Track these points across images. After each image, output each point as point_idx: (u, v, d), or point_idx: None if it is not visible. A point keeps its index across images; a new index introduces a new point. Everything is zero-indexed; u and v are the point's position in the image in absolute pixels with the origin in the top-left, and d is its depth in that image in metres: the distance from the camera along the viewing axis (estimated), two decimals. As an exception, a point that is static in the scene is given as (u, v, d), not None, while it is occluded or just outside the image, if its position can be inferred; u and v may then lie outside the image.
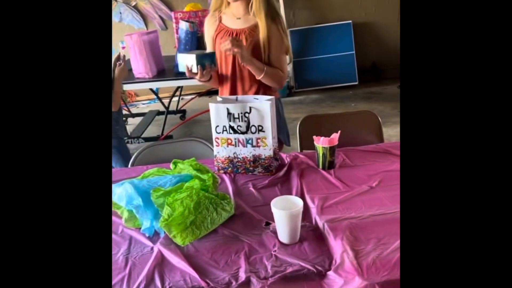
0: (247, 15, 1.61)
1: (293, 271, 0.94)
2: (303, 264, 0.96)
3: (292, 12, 5.06)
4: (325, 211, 1.16)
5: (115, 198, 1.15)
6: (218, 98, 1.51)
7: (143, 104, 5.21)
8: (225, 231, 1.12)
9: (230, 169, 1.46)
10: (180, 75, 3.20)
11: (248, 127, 1.41)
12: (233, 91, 1.69)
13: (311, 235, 1.08)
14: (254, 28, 1.59)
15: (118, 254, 1.06)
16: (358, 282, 0.88)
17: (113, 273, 0.98)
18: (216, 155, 1.48)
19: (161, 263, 1.01)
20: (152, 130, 4.01)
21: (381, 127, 1.92)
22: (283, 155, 1.56)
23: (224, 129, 1.43)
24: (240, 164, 1.45)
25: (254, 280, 0.92)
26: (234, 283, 0.92)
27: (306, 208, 1.18)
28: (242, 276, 0.94)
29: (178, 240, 1.06)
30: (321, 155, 1.43)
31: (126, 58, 2.33)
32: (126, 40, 3.26)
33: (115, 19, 4.98)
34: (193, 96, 5.03)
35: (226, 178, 1.43)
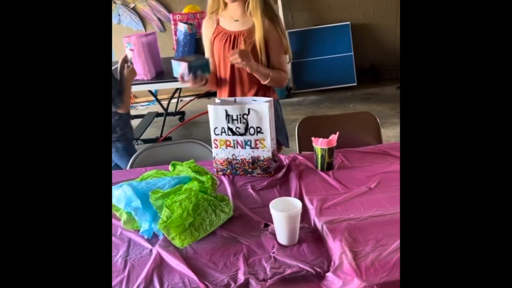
0: (245, 17, 1.60)
1: (292, 272, 0.94)
2: (302, 265, 0.96)
3: (290, 14, 5.07)
4: (323, 212, 1.16)
5: (113, 200, 1.15)
6: (217, 100, 1.51)
7: (142, 106, 5.21)
8: (224, 233, 1.12)
9: (228, 170, 1.47)
10: (179, 77, 3.20)
11: (246, 128, 1.41)
12: (232, 94, 1.69)
13: (309, 236, 1.08)
14: (253, 29, 1.59)
15: (117, 257, 1.06)
16: (356, 283, 0.88)
17: (112, 275, 0.98)
18: (214, 157, 1.48)
19: (160, 265, 1.01)
20: (151, 132, 4.01)
21: (380, 128, 1.92)
22: (282, 157, 1.56)
23: (223, 130, 1.43)
24: (238, 165, 1.45)
25: (253, 282, 0.92)
26: (233, 285, 0.92)
27: (304, 209, 1.18)
28: (241, 278, 0.94)
29: (177, 242, 1.06)
30: (319, 156, 1.43)
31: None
32: (124, 42, 3.26)
33: (113, 21, 4.98)
34: (192, 97, 5.03)
35: (225, 180, 1.43)
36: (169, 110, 4.21)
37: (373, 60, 5.21)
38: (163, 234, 1.09)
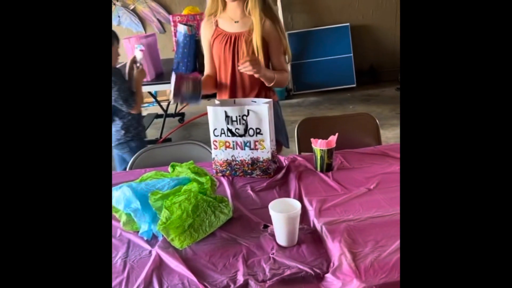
0: (245, 17, 1.60)
1: (291, 273, 0.94)
2: (301, 266, 0.96)
3: (290, 15, 5.08)
4: (323, 213, 1.16)
5: (113, 201, 1.15)
6: (216, 101, 1.51)
7: (142, 107, 5.21)
8: (223, 234, 1.12)
9: (228, 172, 1.47)
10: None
11: (246, 129, 1.41)
12: (233, 95, 1.68)
13: (309, 237, 1.08)
14: (252, 31, 1.59)
15: (117, 258, 1.06)
16: (356, 284, 0.88)
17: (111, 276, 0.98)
18: (214, 158, 1.48)
19: (159, 267, 1.01)
20: (151, 133, 4.01)
21: (379, 129, 1.92)
22: (281, 158, 1.56)
23: (222, 132, 1.43)
24: (238, 167, 1.45)
25: (252, 283, 0.92)
26: (232, 286, 0.92)
27: (304, 210, 1.18)
28: (240, 279, 0.94)
29: (176, 244, 1.06)
30: (319, 157, 1.43)
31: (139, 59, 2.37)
32: (124, 44, 3.26)
33: (113, 22, 4.99)
34: (191, 99, 5.03)
35: (224, 181, 1.43)
36: (169, 111, 4.21)
37: (372, 62, 5.22)
38: (163, 235, 1.09)
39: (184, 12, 3.76)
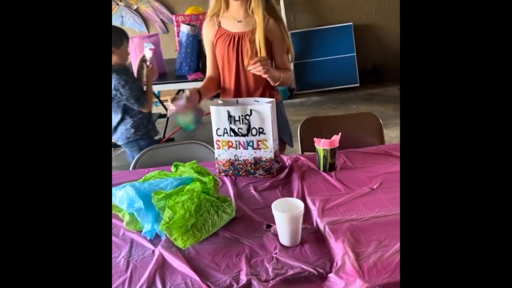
0: (248, 17, 1.59)
1: (294, 273, 0.94)
2: (304, 266, 0.96)
3: (293, 15, 5.07)
4: (326, 213, 1.16)
5: (116, 201, 1.15)
6: (219, 101, 1.51)
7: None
8: (226, 233, 1.12)
9: (231, 171, 1.47)
10: (182, 78, 3.20)
11: (249, 129, 1.41)
12: (238, 95, 1.67)
13: (312, 237, 1.08)
14: (256, 30, 1.58)
15: (120, 257, 1.06)
16: (359, 284, 0.88)
17: (114, 276, 0.98)
18: (217, 158, 1.48)
19: (162, 266, 1.01)
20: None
21: (382, 129, 1.91)
22: (284, 157, 1.56)
23: (225, 131, 1.43)
24: (241, 166, 1.45)
25: (255, 282, 0.92)
26: (235, 285, 0.92)
27: (307, 210, 1.18)
28: (243, 278, 0.94)
29: (179, 243, 1.07)
30: (322, 157, 1.43)
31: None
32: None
33: (116, 22, 5.00)
34: (194, 99, 5.03)
35: (227, 181, 1.43)
36: (172, 111, 4.21)
37: (375, 61, 5.21)
38: (166, 235, 1.09)
39: (187, 12, 3.76)
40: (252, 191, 1.35)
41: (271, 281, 0.93)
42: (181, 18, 3.43)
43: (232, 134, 1.43)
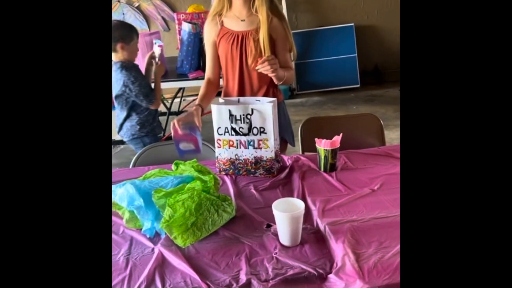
0: (251, 16, 1.58)
1: (294, 273, 0.94)
2: (304, 266, 0.96)
3: (294, 14, 5.07)
4: (326, 213, 1.16)
5: (116, 198, 1.15)
6: (220, 100, 1.51)
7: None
8: (226, 233, 1.12)
9: (231, 170, 1.46)
10: (182, 77, 3.20)
11: (250, 128, 1.41)
12: (242, 94, 1.66)
13: (312, 237, 1.08)
14: (260, 29, 1.57)
15: (119, 255, 1.06)
16: (359, 285, 0.88)
17: (113, 274, 0.98)
18: (217, 157, 1.48)
19: (162, 264, 1.01)
20: (154, 131, 4.00)
21: (383, 130, 1.91)
22: (285, 157, 1.55)
23: (226, 130, 1.43)
24: (241, 165, 1.45)
25: (254, 282, 0.92)
26: (234, 285, 0.92)
27: (307, 210, 1.18)
28: (243, 278, 0.94)
29: (179, 242, 1.06)
30: (322, 157, 1.42)
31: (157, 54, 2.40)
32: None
33: (117, 19, 4.99)
34: (195, 97, 5.03)
35: (228, 180, 1.42)
36: (172, 109, 4.21)
37: (376, 62, 5.20)
38: (165, 233, 1.09)
39: (189, 10, 3.76)
40: (253, 190, 1.35)
41: (270, 281, 0.92)
42: (182, 16, 3.42)
43: (233, 133, 1.42)
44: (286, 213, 1.03)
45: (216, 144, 1.46)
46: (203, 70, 1.77)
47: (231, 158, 1.45)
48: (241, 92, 1.66)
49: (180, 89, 4.17)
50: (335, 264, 0.96)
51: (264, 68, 1.44)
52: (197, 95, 1.71)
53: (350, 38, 4.98)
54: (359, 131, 1.89)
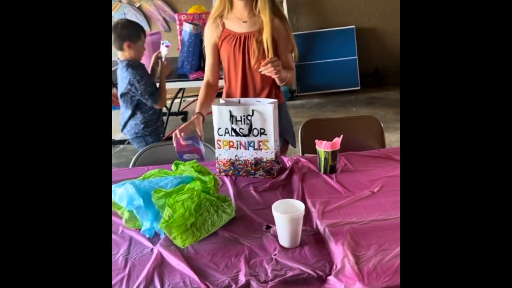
0: (254, 17, 1.58)
1: (293, 275, 0.94)
2: (303, 268, 0.95)
3: (295, 16, 5.07)
4: (326, 215, 1.16)
5: (116, 198, 1.15)
6: (221, 101, 1.51)
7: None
8: (226, 233, 1.12)
9: (231, 171, 1.46)
10: (183, 77, 3.20)
11: (250, 129, 1.40)
12: (245, 95, 1.65)
13: (312, 239, 1.08)
14: (262, 30, 1.57)
15: (118, 255, 1.05)
16: (358, 287, 0.87)
17: (112, 273, 0.98)
18: (217, 157, 1.47)
19: (161, 265, 1.01)
20: (154, 131, 4.00)
21: (383, 132, 1.91)
22: (285, 159, 1.55)
23: (226, 131, 1.43)
24: (241, 166, 1.45)
25: (254, 283, 0.92)
26: (233, 286, 0.92)
27: (307, 212, 1.18)
28: (242, 279, 0.93)
29: (178, 242, 1.06)
30: (323, 159, 1.42)
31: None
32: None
33: (115, 20, 4.99)
34: (195, 98, 5.03)
35: (227, 181, 1.42)
36: (172, 110, 4.21)
37: (377, 64, 5.21)
38: (165, 234, 1.09)
39: (190, 11, 3.76)
40: (252, 191, 1.35)
41: (270, 282, 0.92)
42: (183, 17, 3.43)
43: (233, 134, 1.42)
44: (285, 215, 1.03)
45: (216, 145, 1.46)
46: (204, 71, 1.76)
47: (231, 159, 1.45)
48: (244, 93, 1.65)
49: (180, 89, 4.17)
50: (334, 266, 0.96)
51: (268, 70, 1.44)
52: (197, 95, 1.71)
53: (351, 41, 4.98)
54: (359, 133, 1.89)
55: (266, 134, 1.40)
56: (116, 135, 3.87)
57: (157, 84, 2.33)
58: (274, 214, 1.05)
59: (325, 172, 1.43)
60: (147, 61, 3.25)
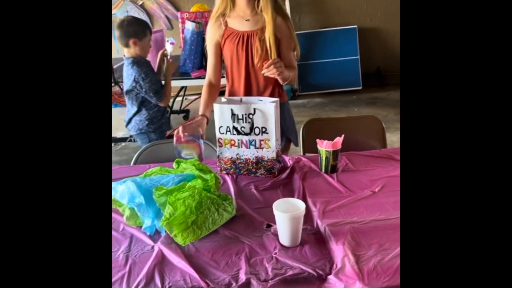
0: (256, 15, 1.58)
1: (293, 274, 0.94)
2: (303, 267, 0.96)
3: (298, 15, 5.07)
4: (326, 215, 1.16)
5: (117, 195, 1.15)
6: (223, 99, 1.51)
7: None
8: (226, 232, 1.12)
9: (232, 170, 1.46)
10: (185, 75, 3.20)
11: (251, 128, 1.41)
12: (248, 94, 1.66)
13: (312, 238, 1.08)
14: (265, 29, 1.57)
15: (119, 252, 1.06)
16: (358, 287, 0.88)
17: (113, 270, 0.98)
18: (219, 156, 1.48)
19: (162, 262, 1.01)
20: (155, 129, 4.00)
21: (385, 132, 1.91)
22: (286, 158, 1.55)
23: (228, 130, 1.43)
24: (242, 165, 1.45)
25: (254, 282, 0.92)
26: (234, 284, 0.92)
27: (307, 211, 1.18)
28: (242, 277, 0.94)
29: (179, 240, 1.06)
30: (324, 158, 1.42)
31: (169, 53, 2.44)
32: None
33: (120, 17, 4.99)
34: (196, 96, 5.03)
35: (228, 179, 1.42)
36: (174, 108, 4.21)
37: (379, 64, 5.20)
38: (166, 231, 1.09)
39: (193, 9, 3.76)
40: (253, 190, 1.35)
41: (270, 281, 0.92)
42: (186, 15, 3.43)
43: (234, 132, 1.42)
44: (286, 214, 1.03)
45: (218, 143, 1.46)
46: (206, 69, 1.76)
47: (232, 157, 1.45)
48: (248, 92, 1.65)
49: (182, 87, 4.17)
50: (334, 265, 0.96)
51: (270, 72, 1.44)
52: (199, 93, 1.71)
53: (353, 40, 4.98)
54: (361, 133, 1.89)
55: (267, 133, 1.40)
56: (118, 132, 3.88)
57: (163, 82, 2.33)
58: (275, 213, 1.06)
59: (326, 172, 1.43)
60: (153, 59, 3.26)
